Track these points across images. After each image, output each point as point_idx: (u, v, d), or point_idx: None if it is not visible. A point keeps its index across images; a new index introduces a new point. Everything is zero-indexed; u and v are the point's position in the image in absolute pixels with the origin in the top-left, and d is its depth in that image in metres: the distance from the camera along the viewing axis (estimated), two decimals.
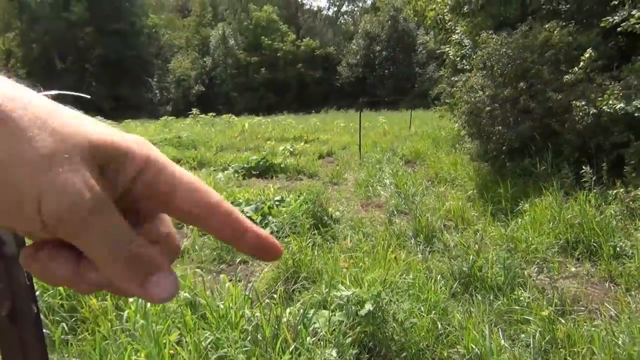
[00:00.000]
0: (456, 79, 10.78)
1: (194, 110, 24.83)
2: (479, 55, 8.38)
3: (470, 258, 4.33)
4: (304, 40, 52.39)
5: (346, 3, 67.78)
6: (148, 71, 52.15)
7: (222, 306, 3.14)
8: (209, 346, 2.90)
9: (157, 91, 52.91)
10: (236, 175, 9.90)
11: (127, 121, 27.59)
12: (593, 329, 3.28)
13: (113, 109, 41.89)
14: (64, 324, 3.41)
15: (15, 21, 49.46)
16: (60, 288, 3.71)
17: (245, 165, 10.40)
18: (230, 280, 4.09)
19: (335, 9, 67.82)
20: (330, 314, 3.18)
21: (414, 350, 3.07)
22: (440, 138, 14.06)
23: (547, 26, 7.44)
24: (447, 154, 10.93)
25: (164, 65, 53.74)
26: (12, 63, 50.91)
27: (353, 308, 3.22)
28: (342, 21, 67.32)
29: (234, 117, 24.41)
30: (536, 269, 4.53)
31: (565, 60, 7.28)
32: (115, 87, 47.39)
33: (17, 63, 50.72)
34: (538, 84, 7.35)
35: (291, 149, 12.85)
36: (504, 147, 7.66)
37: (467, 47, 11.24)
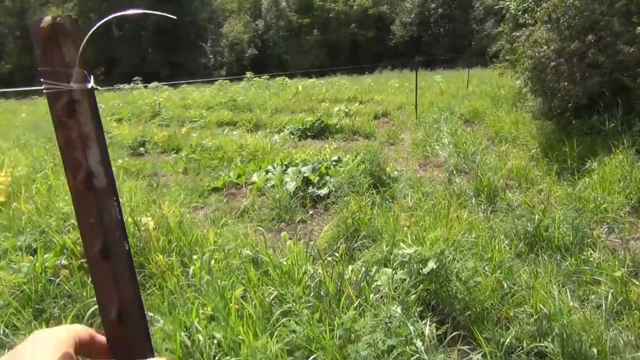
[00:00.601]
0: (518, 34, 10.30)
1: (248, 74, 24.92)
2: (543, 7, 7.94)
3: (536, 218, 4.19)
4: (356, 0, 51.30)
5: None
6: (202, 36, 52.53)
7: (285, 262, 3.16)
8: (273, 301, 2.94)
9: (211, 56, 53.33)
10: (292, 136, 9.92)
11: (183, 86, 28.01)
12: None
13: (169, 74, 42.60)
14: None
15: None
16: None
17: (300, 127, 10.39)
18: (290, 239, 4.13)
19: None
20: (393, 271, 3.16)
21: (478, 309, 3.02)
22: (499, 96, 13.57)
23: None
24: (508, 112, 10.54)
25: (217, 29, 53.95)
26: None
27: (415, 266, 3.18)
28: None
29: (287, 79, 24.35)
30: (606, 230, 4.34)
31: (637, 11, 6.79)
32: (171, 53, 48.03)
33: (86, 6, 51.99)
34: (608, 36, 6.90)
35: (346, 110, 12.74)
36: (569, 104, 7.30)
37: (530, 0, 10.69)
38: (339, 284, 2.86)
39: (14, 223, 4.90)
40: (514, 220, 4.41)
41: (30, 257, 4.05)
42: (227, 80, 27.42)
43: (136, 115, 14.97)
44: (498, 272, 3.29)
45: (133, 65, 45.02)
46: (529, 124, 8.96)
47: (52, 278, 3.66)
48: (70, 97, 0.43)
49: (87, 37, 0.44)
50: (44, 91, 0.43)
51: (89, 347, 0.50)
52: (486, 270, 3.31)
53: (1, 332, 3.08)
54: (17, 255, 4.13)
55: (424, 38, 47.70)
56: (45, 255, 3.86)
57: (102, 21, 0.47)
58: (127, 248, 0.49)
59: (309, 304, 2.69)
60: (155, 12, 0.47)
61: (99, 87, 0.45)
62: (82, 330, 0.49)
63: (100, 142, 0.46)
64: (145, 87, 26.73)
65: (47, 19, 0.42)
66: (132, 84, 27.22)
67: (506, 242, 3.99)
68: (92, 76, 0.44)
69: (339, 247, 3.62)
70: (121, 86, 28.51)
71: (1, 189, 5.65)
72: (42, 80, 0.43)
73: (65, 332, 0.47)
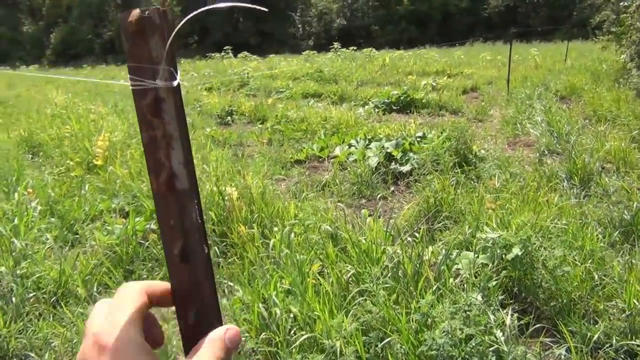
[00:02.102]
0: (626, 3, 9.54)
1: (335, 45, 24.80)
2: None
3: (634, 205, 3.91)
4: None
5: None
6: (291, 5, 52.74)
7: (363, 241, 3.15)
8: (350, 279, 2.94)
9: (299, 26, 53.51)
10: (376, 110, 9.81)
11: (272, 56, 28.38)
12: None
13: (258, 44, 43.27)
14: (216, 248, 3.66)
15: None
16: (213, 214, 3.97)
17: (385, 100, 10.25)
18: (370, 215, 4.11)
19: None
20: (474, 255, 3.06)
21: (565, 300, 2.88)
22: (600, 72, 12.69)
23: None
24: (609, 89, 9.85)
25: None
26: (169, 1, 54.13)
27: (499, 251, 3.07)
28: None
29: (374, 51, 24.03)
30: None
31: None
32: (261, 22, 48.64)
33: (173, 1, 53.85)
34: None
35: (433, 84, 12.42)
36: None
37: None
38: (417, 265, 2.82)
39: (109, 186, 5.20)
40: (609, 207, 4.15)
41: (123, 219, 4.29)
42: (314, 51, 27.48)
43: (225, 84, 15.34)
44: (589, 262, 3.11)
45: (225, 34, 46.02)
46: (632, 102, 8.35)
47: (142, 241, 3.86)
48: (155, 95, 0.42)
49: (174, 32, 0.42)
50: (130, 87, 0.42)
51: (164, 298, 0.52)
52: (575, 260, 3.14)
53: (95, 290, 3.29)
54: (111, 217, 4.39)
55: (520, 8, 45.38)
56: (137, 219, 4.06)
57: (191, 15, 0.45)
58: (206, 252, 0.48)
59: (386, 285, 2.67)
60: (244, 5, 0.45)
61: (185, 83, 0.43)
62: (158, 283, 0.53)
63: (184, 143, 0.44)
64: (235, 56, 27.30)
65: (136, 12, 0.41)
66: (222, 53, 27.86)
67: (599, 230, 3.76)
68: (179, 73, 0.42)
69: (420, 228, 3.55)
70: (212, 55, 29.30)
71: (99, 153, 6.00)
72: (129, 76, 0.42)
73: (145, 284, 0.51)
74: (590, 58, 16.23)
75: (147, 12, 0.41)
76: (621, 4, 10.49)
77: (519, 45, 26.86)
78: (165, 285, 0.52)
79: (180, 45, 51.47)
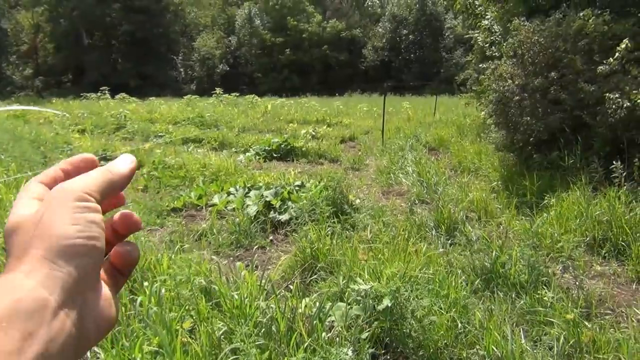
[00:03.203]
0: (484, 66, 10.51)
1: (218, 90, 24.79)
2: (509, 42, 8.13)
3: (493, 253, 4.20)
4: (330, 21, 51.79)
5: None
6: (173, 49, 52.17)
7: (236, 296, 3.08)
8: (223, 337, 2.84)
9: (181, 69, 52.99)
10: (257, 157, 9.85)
11: (152, 99, 27.66)
12: (620, 334, 3.16)
13: (139, 86, 42.09)
14: None
15: None
16: None
17: (266, 148, 10.34)
18: (246, 267, 4.04)
19: None
20: (347, 307, 3.11)
21: (431, 349, 2.99)
22: (465, 126, 13.80)
23: (581, 14, 7.16)
24: (472, 142, 10.71)
25: (189, 43, 53.70)
26: (41, 37, 51.41)
27: (371, 302, 3.14)
28: (369, 3, 66.17)
29: (257, 97, 24.31)
30: (561, 268, 4.39)
31: (599, 50, 7.00)
32: (141, 64, 47.50)
33: (45, 37, 51.19)
34: (570, 74, 7.09)
35: (313, 133, 12.75)
36: (531, 138, 7.45)
37: (497, 34, 10.96)
38: (290, 320, 2.79)
39: None
40: (472, 255, 4.42)
41: None
42: (196, 96, 27.24)
43: (100, 126, 14.67)
44: (453, 310, 3.27)
45: (102, 74, 44.28)
46: (492, 155, 9.11)
47: None
48: None
49: None
50: None
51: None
52: (441, 309, 3.29)
53: None
54: None
55: (394, 63, 48.52)
56: None
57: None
58: None
59: (258, 343, 2.61)
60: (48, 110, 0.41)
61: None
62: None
63: None
64: (113, 97, 26.33)
65: None
66: (99, 94, 26.77)
67: (463, 277, 3.98)
68: None
69: (295, 281, 3.55)
70: (88, 95, 28.06)
71: None
72: None
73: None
74: (456, 112, 17.58)
75: None
76: (480, 65, 11.54)
77: (393, 97, 28.51)
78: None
79: (54, 83, 48.81)
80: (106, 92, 26.51)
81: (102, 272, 0.50)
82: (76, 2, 46.93)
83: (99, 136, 13.04)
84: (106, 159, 9.49)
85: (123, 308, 3.17)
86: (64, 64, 50.01)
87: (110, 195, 0.51)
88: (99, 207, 0.48)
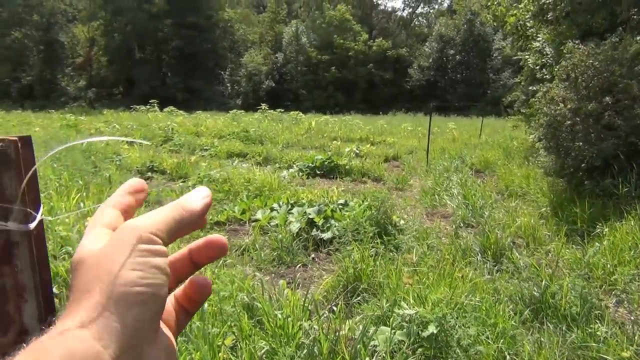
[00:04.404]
0: (534, 88, 10.31)
1: (263, 106, 25.12)
2: (562, 65, 7.94)
3: (543, 283, 4.05)
4: (376, 40, 52.00)
5: (422, 5, 66.75)
6: (221, 64, 53.24)
7: (279, 315, 3.05)
8: (264, 355, 2.81)
9: (228, 84, 53.94)
10: (300, 174, 9.87)
11: (198, 112, 28.23)
12: None
13: (186, 99, 43.09)
14: None
15: (100, 11, 51.69)
16: None
17: (309, 165, 10.35)
18: (289, 284, 4.02)
19: (410, 10, 66.89)
20: (391, 332, 3.03)
21: None
22: (512, 149, 13.51)
23: (638, 38, 6.94)
24: (519, 166, 10.47)
25: (236, 59, 54.68)
26: (95, 51, 53.37)
27: (415, 328, 3.06)
28: (416, 23, 66.33)
29: (301, 114, 24.50)
30: (615, 301, 4.19)
31: None
32: (189, 78, 48.65)
33: (99, 51, 53.14)
34: (626, 99, 6.86)
35: (357, 151, 12.72)
36: (583, 164, 7.20)
37: (549, 56, 10.74)
38: (334, 343, 2.74)
39: None
40: (520, 283, 4.28)
41: None
42: (241, 110, 27.66)
43: (148, 138, 15.02)
44: (501, 341, 3.16)
45: (151, 87, 45.59)
46: (541, 180, 8.86)
47: None
48: (6, 238, 0.35)
49: (32, 170, 0.36)
50: None
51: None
52: (488, 338, 3.17)
53: None
54: None
55: (440, 83, 48.24)
56: None
57: (50, 153, 0.39)
58: None
59: None
60: (112, 137, 0.39)
61: (50, 218, 0.37)
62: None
63: (39, 295, 0.37)
64: (161, 110, 27.01)
65: None
66: (148, 106, 27.51)
67: (511, 306, 3.85)
68: (40, 212, 0.36)
69: (337, 302, 3.50)
70: (137, 107, 28.87)
71: None
72: None
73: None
74: (502, 135, 17.26)
75: (1, 145, 0.34)
76: (530, 87, 11.32)
77: (438, 118, 28.29)
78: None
79: (105, 95, 50.47)
80: (155, 104, 27.22)
81: (165, 313, 0.48)
82: (130, 17, 48.65)
83: (147, 148, 13.34)
84: (153, 170, 9.70)
85: None
86: (116, 77, 51.74)
87: (179, 236, 0.47)
88: (164, 250, 0.45)
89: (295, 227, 5.71)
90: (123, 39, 50.27)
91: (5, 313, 0.36)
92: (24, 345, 0.36)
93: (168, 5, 48.59)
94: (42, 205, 0.38)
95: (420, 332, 3.04)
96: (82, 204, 5.83)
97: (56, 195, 6.13)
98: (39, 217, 0.36)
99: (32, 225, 0.36)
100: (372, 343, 3.01)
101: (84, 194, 6.48)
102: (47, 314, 0.38)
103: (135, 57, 50.48)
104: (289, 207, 6.52)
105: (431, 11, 67.20)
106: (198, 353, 2.72)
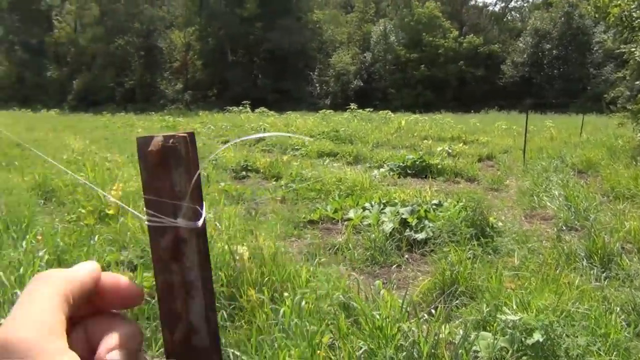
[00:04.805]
0: None
1: (352, 105, 25.18)
2: None
3: None
4: (467, 37, 50.62)
5: None
6: (310, 65, 53.95)
7: (377, 316, 3.02)
8: (363, 356, 2.80)
9: (317, 85, 54.56)
10: (391, 173, 9.78)
11: (289, 112, 28.79)
12: None
13: (276, 100, 44.07)
14: (223, 312, 3.53)
15: (195, 17, 54.08)
16: (223, 275, 3.86)
17: (400, 164, 10.23)
18: (384, 285, 3.98)
19: (503, 4, 64.33)
20: (494, 338, 2.92)
21: None
22: (617, 148, 12.62)
23: None
24: (626, 166, 9.76)
25: (325, 59, 55.18)
26: (191, 55, 55.87)
27: (519, 335, 2.92)
28: (509, 17, 63.82)
29: (390, 113, 24.33)
30: None
31: None
32: (279, 79, 49.71)
33: (194, 55, 55.59)
34: None
35: (449, 150, 12.42)
36: None
37: None
38: (433, 346, 2.68)
39: (119, 237, 5.12)
40: (632, 292, 3.98)
41: (131, 273, 4.18)
42: (331, 110, 27.89)
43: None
44: (614, 353, 2.95)
45: (243, 88, 47.03)
46: None
47: (148, 298, 3.73)
48: (175, 235, 0.35)
49: (203, 166, 0.35)
50: (146, 223, 0.35)
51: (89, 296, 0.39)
52: (599, 350, 2.97)
53: None
54: (119, 270, 4.29)
55: (535, 79, 46.13)
56: (145, 274, 3.96)
57: (228, 144, 0.38)
58: None
59: None
60: (268, 134, 0.38)
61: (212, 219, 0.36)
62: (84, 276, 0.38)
63: (207, 293, 0.36)
64: (253, 111, 27.82)
65: (158, 139, 0.34)
66: (240, 107, 28.41)
67: (622, 316, 3.59)
68: (203, 212, 0.35)
69: (437, 306, 3.41)
70: (230, 108, 29.90)
71: (112, 202, 5.96)
72: (145, 210, 0.34)
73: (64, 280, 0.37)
74: (605, 133, 16.19)
75: (171, 141, 0.34)
76: (636, 82, 10.55)
77: (534, 115, 27.03)
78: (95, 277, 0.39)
79: (200, 97, 52.70)
80: (247, 105, 28.06)
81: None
82: (223, 22, 50.48)
83: (241, 148, 13.75)
84: (248, 169, 9.99)
85: (265, 316, 3.24)
86: (210, 79, 53.89)
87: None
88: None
89: (388, 227, 5.65)
90: (217, 43, 52.27)
91: (174, 310, 0.36)
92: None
93: (259, 9, 49.90)
94: (204, 203, 0.37)
95: (524, 340, 2.90)
96: None
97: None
98: (204, 214, 0.36)
99: (200, 222, 0.36)
100: (473, 348, 2.91)
101: None
102: (209, 312, 0.37)
103: (228, 60, 52.29)
104: (381, 206, 6.47)
105: (525, 5, 64.21)
106: (297, 350, 2.75)
